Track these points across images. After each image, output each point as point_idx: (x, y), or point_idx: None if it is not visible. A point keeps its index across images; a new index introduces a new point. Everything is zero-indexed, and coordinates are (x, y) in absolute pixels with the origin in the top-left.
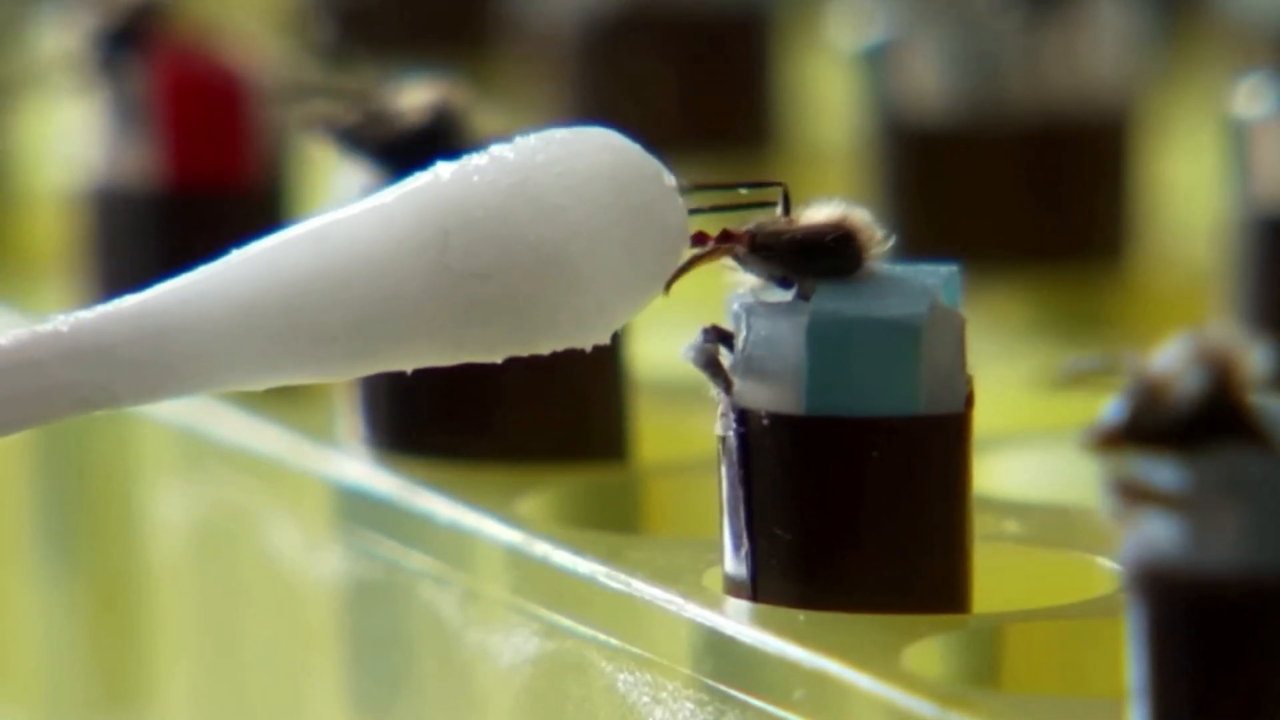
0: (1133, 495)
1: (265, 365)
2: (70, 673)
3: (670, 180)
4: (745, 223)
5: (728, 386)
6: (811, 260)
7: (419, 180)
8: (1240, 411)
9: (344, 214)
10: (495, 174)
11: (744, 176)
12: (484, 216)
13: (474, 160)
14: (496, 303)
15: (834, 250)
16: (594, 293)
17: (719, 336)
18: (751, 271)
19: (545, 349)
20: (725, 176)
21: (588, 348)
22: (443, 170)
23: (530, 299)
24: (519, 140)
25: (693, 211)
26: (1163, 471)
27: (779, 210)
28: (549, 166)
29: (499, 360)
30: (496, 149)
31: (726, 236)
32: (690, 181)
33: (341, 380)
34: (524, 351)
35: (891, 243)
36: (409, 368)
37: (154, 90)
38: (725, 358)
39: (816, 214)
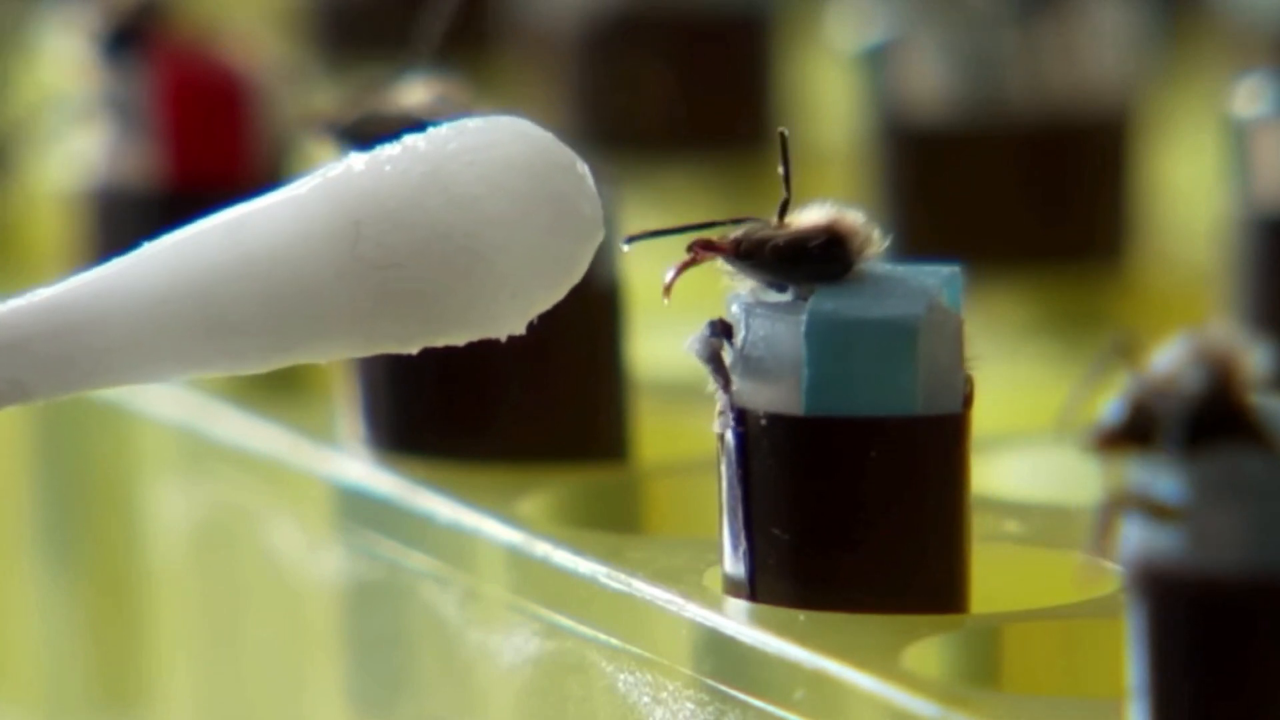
0: (1131, 507)
1: (178, 358)
2: (70, 673)
3: (584, 169)
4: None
5: (726, 384)
6: (796, 266)
7: (332, 170)
8: (1240, 411)
9: (256, 205)
10: (408, 163)
11: (743, 177)
12: (396, 206)
13: (386, 150)
14: (409, 293)
15: (818, 256)
16: (508, 282)
17: (724, 331)
18: (744, 277)
19: (460, 339)
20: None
21: (502, 337)
22: (355, 161)
23: (443, 289)
24: (431, 130)
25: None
26: (1162, 473)
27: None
28: (461, 155)
29: (413, 351)
30: (409, 139)
31: (708, 246)
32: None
33: (257, 372)
34: (438, 342)
35: (888, 243)
36: (324, 359)
37: (154, 90)
38: (728, 353)
39: (804, 219)
